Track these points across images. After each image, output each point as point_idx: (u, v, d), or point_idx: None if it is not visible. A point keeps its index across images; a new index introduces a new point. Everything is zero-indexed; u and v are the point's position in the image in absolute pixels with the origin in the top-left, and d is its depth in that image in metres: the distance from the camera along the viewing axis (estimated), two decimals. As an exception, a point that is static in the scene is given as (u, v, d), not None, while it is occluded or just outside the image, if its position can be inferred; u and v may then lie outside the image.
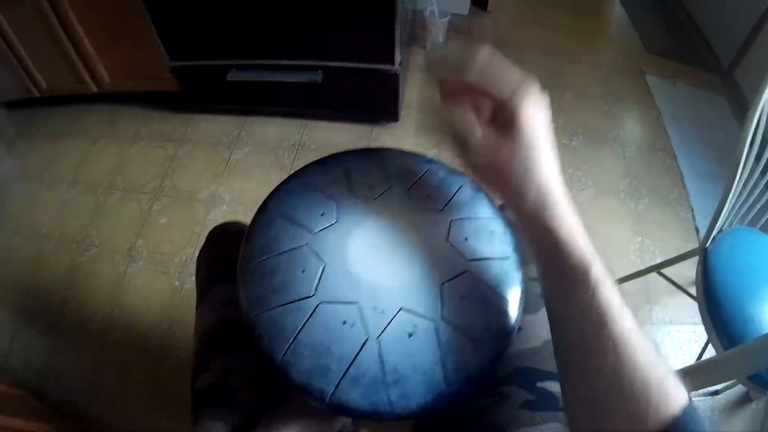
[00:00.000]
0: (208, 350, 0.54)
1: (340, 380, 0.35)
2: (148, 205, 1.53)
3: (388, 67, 1.40)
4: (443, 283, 0.38)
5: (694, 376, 0.80)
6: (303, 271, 0.38)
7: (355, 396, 0.35)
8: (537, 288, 0.55)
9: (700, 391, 1.13)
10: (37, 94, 1.79)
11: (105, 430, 1.15)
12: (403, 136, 1.61)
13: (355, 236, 0.40)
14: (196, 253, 1.15)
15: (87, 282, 1.39)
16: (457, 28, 1.92)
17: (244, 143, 1.63)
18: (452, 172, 0.47)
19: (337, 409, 0.35)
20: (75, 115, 1.83)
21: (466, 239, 0.41)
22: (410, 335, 0.36)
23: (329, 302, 0.37)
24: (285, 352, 0.36)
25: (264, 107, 1.66)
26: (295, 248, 0.40)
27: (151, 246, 1.43)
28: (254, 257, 0.40)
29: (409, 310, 0.37)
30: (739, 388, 1.14)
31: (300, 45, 1.39)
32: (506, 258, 0.41)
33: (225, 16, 1.35)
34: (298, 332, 0.36)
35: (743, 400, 1.14)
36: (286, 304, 0.37)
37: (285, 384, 0.36)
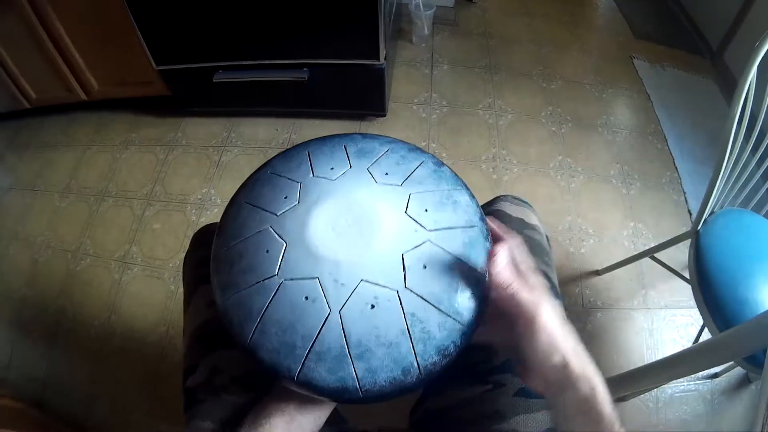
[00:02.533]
0: (197, 350, 0.54)
1: (306, 357, 0.35)
2: (141, 210, 1.53)
3: (373, 62, 1.39)
4: (404, 254, 0.38)
5: (692, 359, 0.79)
6: (267, 251, 0.38)
7: (321, 372, 0.34)
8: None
9: (699, 375, 1.13)
10: (27, 105, 1.79)
11: None
12: (390, 129, 1.61)
13: (316, 214, 0.40)
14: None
15: (83, 290, 1.39)
16: (443, 20, 1.92)
17: (234, 144, 1.63)
18: (414, 149, 0.47)
19: (306, 386, 0.35)
20: (65, 124, 1.84)
21: (426, 210, 0.41)
22: (372, 306, 0.36)
23: (292, 279, 0.37)
24: (253, 333, 0.36)
25: (252, 107, 1.66)
26: (259, 231, 0.40)
27: (145, 252, 1.43)
28: (224, 245, 0.41)
29: (369, 281, 0.36)
30: (738, 371, 1.14)
31: (285, 43, 1.39)
32: (471, 226, 0.41)
33: (209, 18, 1.35)
34: (264, 311, 0.36)
35: (743, 382, 1.14)
36: (252, 285, 0.37)
37: (256, 364, 0.36)
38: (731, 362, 1.00)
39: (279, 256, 0.38)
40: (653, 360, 1.13)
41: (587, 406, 0.34)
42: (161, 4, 1.33)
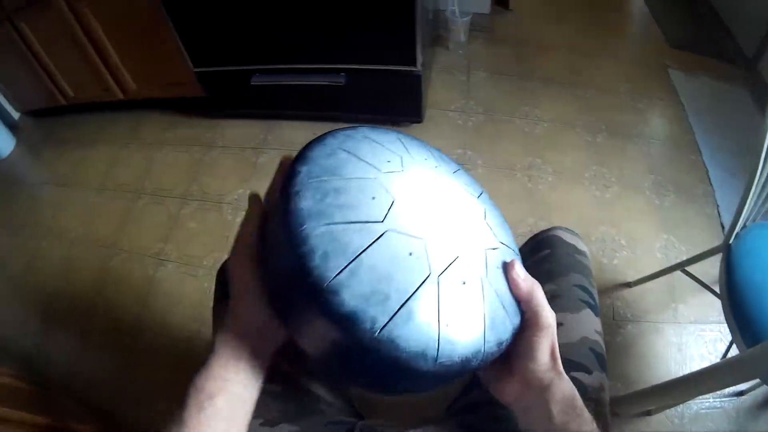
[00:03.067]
0: None
1: (397, 311, 0.32)
2: (177, 209, 1.55)
3: (410, 68, 1.40)
4: (486, 250, 0.40)
5: (719, 376, 0.79)
6: (373, 198, 0.36)
7: (406, 332, 0.32)
8: (580, 293, 0.60)
9: (725, 392, 1.12)
10: (64, 102, 1.82)
11: (132, 429, 1.16)
12: (427, 136, 1.60)
13: (421, 186, 0.40)
14: (225, 257, 1.15)
15: (116, 285, 1.42)
16: (478, 27, 1.92)
17: (271, 147, 1.64)
18: (473, 183, 0.49)
19: (385, 344, 0.32)
20: (101, 122, 1.86)
21: (497, 226, 0.44)
22: (464, 283, 0.36)
23: (398, 232, 0.35)
24: (341, 271, 0.32)
25: (288, 111, 1.67)
26: (364, 178, 0.37)
27: (179, 249, 1.45)
28: (314, 176, 0.36)
29: (464, 261, 0.37)
30: (764, 389, 1.12)
31: (322, 48, 1.40)
32: (518, 255, 0.45)
33: (247, 21, 1.36)
34: (362, 252, 0.33)
35: (768, 401, 1.14)
36: (352, 222, 0.34)
37: (326, 311, 0.32)
38: (757, 380, 1.00)
39: (387, 206, 0.36)
40: (680, 375, 1.13)
41: (570, 404, 0.37)
42: (199, 7, 1.35)
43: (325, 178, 0.36)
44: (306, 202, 0.34)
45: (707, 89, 1.79)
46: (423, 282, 0.34)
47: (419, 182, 0.40)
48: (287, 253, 0.34)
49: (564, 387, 0.38)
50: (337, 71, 1.44)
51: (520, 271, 0.40)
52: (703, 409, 1.11)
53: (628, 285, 1.29)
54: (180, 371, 1.21)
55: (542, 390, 0.38)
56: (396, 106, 1.55)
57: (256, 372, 0.41)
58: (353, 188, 0.36)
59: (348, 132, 0.43)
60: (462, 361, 0.34)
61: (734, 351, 0.89)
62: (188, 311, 1.32)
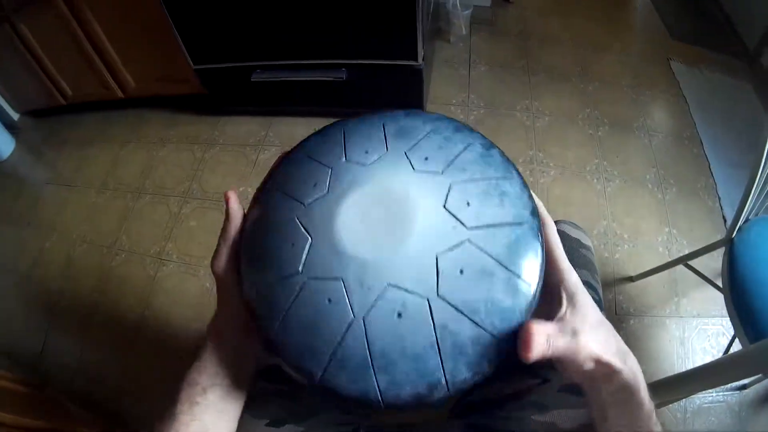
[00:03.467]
0: None
1: (328, 363, 0.33)
2: (177, 208, 1.54)
3: (412, 62, 1.39)
4: (438, 255, 0.34)
5: (722, 370, 0.79)
6: (292, 245, 0.36)
7: (342, 380, 0.32)
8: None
9: (728, 386, 1.13)
10: (63, 102, 1.82)
11: (135, 430, 1.16)
12: (428, 131, 1.60)
13: (345, 207, 0.37)
14: None
15: (117, 285, 1.42)
16: (480, 20, 1.91)
17: (271, 143, 1.64)
18: (461, 129, 0.41)
19: (328, 392, 0.33)
20: (101, 121, 1.86)
21: (468, 204, 0.35)
22: (399, 315, 0.32)
23: (315, 278, 0.35)
24: (278, 326, 0.35)
25: (289, 107, 1.67)
26: (286, 221, 0.38)
27: (181, 249, 1.45)
28: (251, 236, 0.40)
29: (397, 287, 0.33)
30: (767, 383, 1.13)
31: (324, 44, 1.39)
32: (520, 223, 0.35)
33: (247, 17, 1.35)
34: (288, 309, 0.35)
35: (771, 395, 1.13)
36: (276, 280, 0.36)
37: (278, 358, 0.35)
38: (760, 374, 1.01)
39: (304, 251, 0.36)
40: (683, 369, 1.12)
41: (626, 394, 0.33)
42: (199, 4, 1.34)
43: (259, 233, 0.39)
44: (247, 268, 0.38)
45: (710, 82, 1.78)
46: (347, 329, 0.33)
47: (346, 200, 0.37)
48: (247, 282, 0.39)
49: (621, 380, 0.33)
50: (338, 66, 1.43)
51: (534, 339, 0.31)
52: (706, 403, 1.11)
53: (631, 279, 1.29)
54: (182, 370, 1.21)
55: (595, 380, 0.35)
56: (398, 101, 1.54)
57: (248, 365, 0.42)
58: (278, 238, 0.38)
59: (298, 149, 0.43)
60: (417, 398, 0.32)
61: (737, 345, 0.89)
62: (189, 310, 1.32)
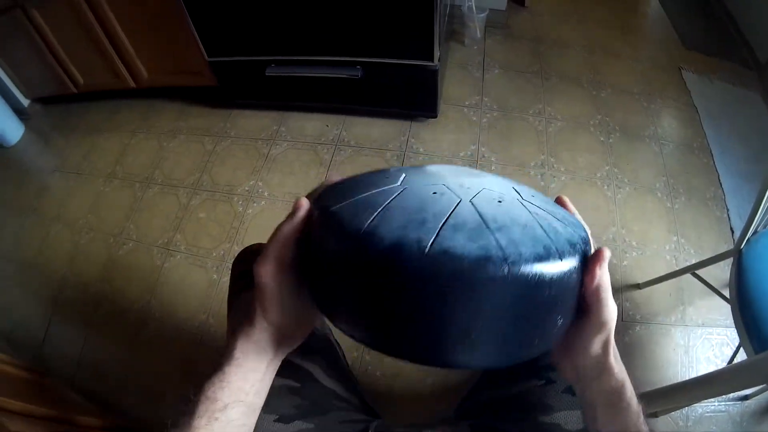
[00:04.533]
0: None
1: (441, 227, 0.30)
2: (187, 199, 1.54)
3: (427, 63, 1.39)
4: (514, 187, 0.39)
5: (726, 380, 0.80)
6: (387, 177, 0.39)
7: (460, 240, 0.29)
8: None
9: (730, 396, 1.13)
10: (74, 90, 1.81)
11: (137, 422, 1.16)
12: (441, 131, 1.61)
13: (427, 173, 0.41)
14: (234, 248, 1.14)
15: (124, 275, 1.42)
16: (494, 23, 1.91)
17: (283, 138, 1.64)
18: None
19: (441, 258, 0.29)
20: (112, 110, 1.85)
21: (533, 196, 0.40)
22: (500, 201, 0.35)
23: (417, 185, 0.37)
24: (372, 219, 0.31)
25: (302, 102, 1.66)
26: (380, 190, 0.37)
27: (189, 240, 1.45)
28: (336, 201, 0.37)
29: (491, 190, 0.37)
30: None
31: (340, 41, 1.39)
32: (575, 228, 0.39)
33: (264, 12, 1.35)
34: (388, 203, 0.33)
35: (773, 406, 1.14)
36: (371, 193, 0.35)
37: (369, 254, 0.31)
38: (763, 385, 1.02)
39: (400, 177, 0.38)
40: (687, 377, 1.13)
41: (616, 397, 0.36)
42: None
43: (348, 201, 0.37)
44: (330, 199, 0.37)
45: (720, 92, 1.79)
46: (457, 205, 0.33)
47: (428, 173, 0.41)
48: (323, 234, 0.35)
49: (611, 380, 0.37)
50: (354, 64, 1.43)
51: (603, 262, 0.35)
52: (708, 412, 1.11)
53: (638, 286, 1.29)
54: (186, 363, 1.22)
55: (589, 380, 0.38)
56: (411, 101, 1.54)
57: (269, 379, 0.41)
58: (367, 182, 0.38)
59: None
60: (537, 259, 0.30)
61: (741, 355, 0.91)
62: (196, 302, 1.32)
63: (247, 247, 0.70)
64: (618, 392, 0.36)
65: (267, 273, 0.37)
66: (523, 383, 0.55)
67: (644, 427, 0.36)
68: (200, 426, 0.35)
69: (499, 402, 0.57)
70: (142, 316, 1.31)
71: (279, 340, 0.39)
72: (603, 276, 0.35)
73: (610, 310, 0.36)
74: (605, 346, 0.37)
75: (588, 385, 0.38)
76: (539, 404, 0.52)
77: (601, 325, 0.36)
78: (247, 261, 0.66)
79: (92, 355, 1.28)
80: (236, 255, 0.69)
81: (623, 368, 0.37)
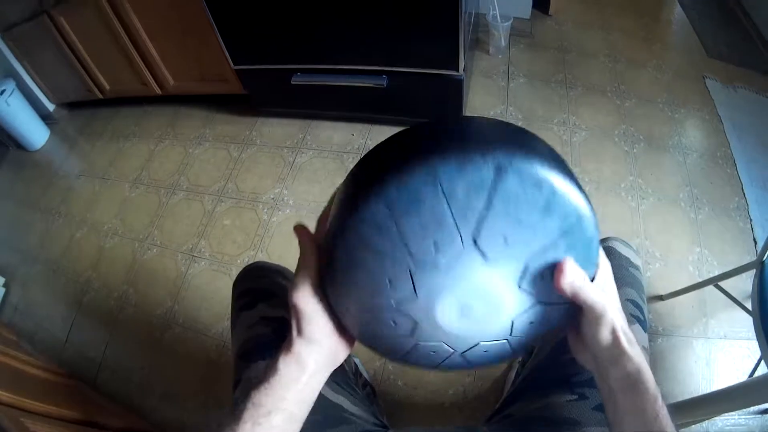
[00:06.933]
0: (240, 366, 0.60)
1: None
2: (212, 205, 1.56)
3: (452, 72, 1.39)
4: (514, 320, 0.41)
5: (745, 393, 0.79)
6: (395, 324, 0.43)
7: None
8: (631, 308, 0.60)
9: (750, 409, 1.12)
10: (100, 96, 1.83)
11: (158, 425, 1.18)
12: (465, 141, 1.60)
13: (439, 307, 0.40)
14: (259, 255, 1.12)
15: (147, 279, 1.44)
16: (519, 32, 1.91)
17: (309, 147, 1.65)
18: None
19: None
20: (138, 116, 1.88)
21: (542, 278, 0.37)
22: (486, 351, 0.44)
23: (424, 342, 0.43)
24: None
25: (328, 111, 1.67)
26: (386, 307, 0.40)
27: (213, 246, 1.47)
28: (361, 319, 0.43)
29: (485, 341, 0.43)
30: None
31: (365, 50, 1.40)
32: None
33: (290, 21, 1.36)
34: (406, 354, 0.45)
35: (793, 421, 1.13)
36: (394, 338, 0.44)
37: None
38: None
39: (411, 327, 0.42)
40: (708, 390, 1.13)
41: (633, 379, 0.37)
42: (241, 4, 1.35)
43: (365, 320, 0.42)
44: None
45: (744, 101, 1.78)
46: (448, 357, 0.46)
47: (438, 301, 0.38)
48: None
49: (627, 365, 0.38)
50: (379, 73, 1.44)
51: (567, 269, 0.35)
52: (728, 426, 1.10)
53: (661, 298, 1.29)
54: (209, 368, 1.23)
55: (606, 367, 0.39)
56: (436, 110, 1.54)
57: (311, 392, 0.44)
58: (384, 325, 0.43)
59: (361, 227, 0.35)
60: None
61: (762, 368, 0.90)
62: (219, 308, 1.33)
63: (252, 265, 0.72)
64: (635, 376, 0.37)
65: (300, 297, 0.41)
66: (556, 397, 0.55)
67: (663, 411, 0.36)
68: (245, 430, 0.38)
69: (527, 414, 0.57)
70: (166, 321, 1.33)
71: (316, 356, 0.42)
72: (574, 283, 0.36)
73: (600, 305, 0.38)
74: (613, 332, 0.38)
75: (606, 373, 0.39)
76: (568, 419, 0.53)
77: (598, 318, 0.38)
78: (247, 280, 0.68)
79: (114, 358, 1.30)
80: (241, 270, 0.71)
81: (640, 353, 0.38)
